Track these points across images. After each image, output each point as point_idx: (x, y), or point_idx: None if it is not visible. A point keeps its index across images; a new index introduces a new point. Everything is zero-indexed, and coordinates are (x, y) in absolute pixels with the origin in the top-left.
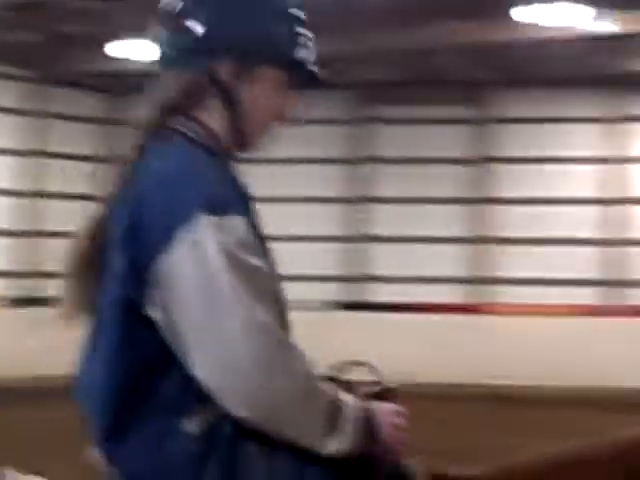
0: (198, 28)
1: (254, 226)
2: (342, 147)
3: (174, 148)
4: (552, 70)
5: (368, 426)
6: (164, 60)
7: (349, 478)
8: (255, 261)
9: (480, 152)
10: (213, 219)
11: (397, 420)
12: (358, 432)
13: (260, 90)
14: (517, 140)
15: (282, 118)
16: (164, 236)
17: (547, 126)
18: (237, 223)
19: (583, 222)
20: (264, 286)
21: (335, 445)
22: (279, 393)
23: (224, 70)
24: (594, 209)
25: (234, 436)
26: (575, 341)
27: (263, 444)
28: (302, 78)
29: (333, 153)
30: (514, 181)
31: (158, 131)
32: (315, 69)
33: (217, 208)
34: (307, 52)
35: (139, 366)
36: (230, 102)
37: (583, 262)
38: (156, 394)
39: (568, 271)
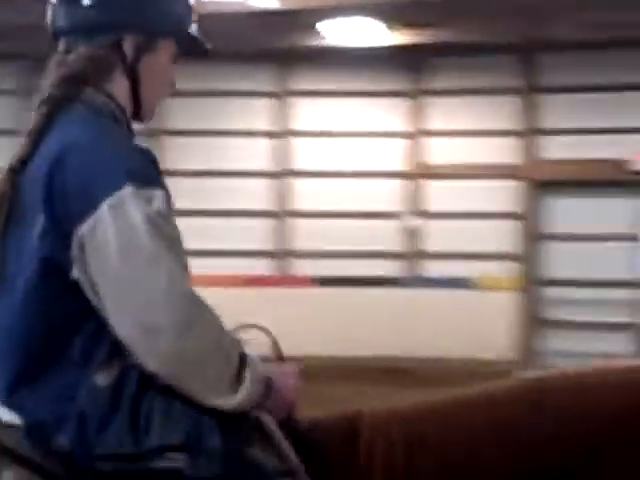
0: (99, 3)
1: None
2: None
3: (88, 119)
4: (218, 44)
5: (270, 384)
6: (70, 34)
7: (245, 432)
8: (176, 232)
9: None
10: (137, 190)
11: (293, 381)
12: (260, 389)
13: (159, 63)
14: (183, 113)
15: (173, 89)
16: (88, 204)
17: (215, 100)
18: (159, 195)
19: (255, 195)
20: (183, 257)
21: (238, 399)
22: (194, 353)
23: (128, 43)
24: (265, 182)
25: (140, 390)
26: (243, 311)
27: (167, 398)
28: (193, 51)
29: None
30: (183, 154)
31: (67, 103)
32: (205, 42)
33: (141, 180)
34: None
35: (54, 320)
36: (134, 74)
37: (254, 233)
38: (68, 347)
39: (239, 242)
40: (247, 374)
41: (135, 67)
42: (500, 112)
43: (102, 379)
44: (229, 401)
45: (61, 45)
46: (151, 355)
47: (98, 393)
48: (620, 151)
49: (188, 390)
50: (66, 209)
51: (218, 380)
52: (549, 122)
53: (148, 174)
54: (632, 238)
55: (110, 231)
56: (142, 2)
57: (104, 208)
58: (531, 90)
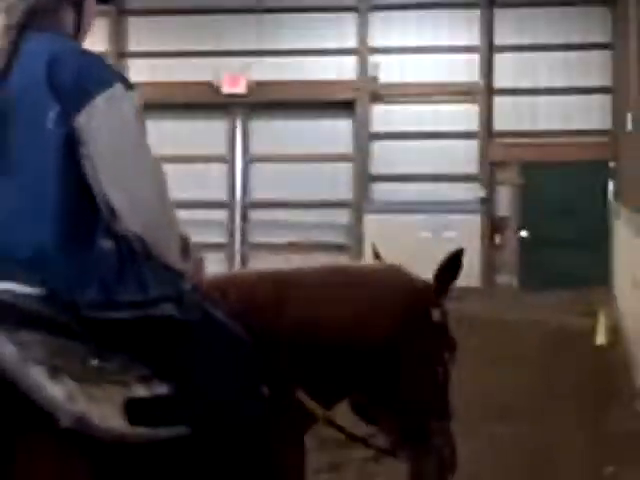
0: None
1: None
2: None
3: (60, 38)
4: None
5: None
6: None
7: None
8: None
9: None
10: (125, 90)
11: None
12: (195, 261)
13: (93, 4)
14: None
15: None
16: (87, 94)
17: None
18: (136, 96)
19: None
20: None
21: (188, 266)
22: (165, 222)
23: None
24: None
25: (134, 256)
26: None
27: (153, 264)
28: None
29: None
30: None
31: (30, 30)
32: None
33: (125, 82)
34: None
35: (77, 193)
36: (80, 12)
37: None
38: (85, 218)
39: None
40: (190, 250)
41: (82, 7)
42: None
43: (108, 244)
44: (185, 266)
45: None
46: (137, 221)
47: (108, 257)
48: (213, 74)
49: (161, 253)
50: (68, 102)
51: (177, 249)
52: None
53: (127, 78)
54: (225, 160)
55: (105, 119)
56: None
57: (99, 99)
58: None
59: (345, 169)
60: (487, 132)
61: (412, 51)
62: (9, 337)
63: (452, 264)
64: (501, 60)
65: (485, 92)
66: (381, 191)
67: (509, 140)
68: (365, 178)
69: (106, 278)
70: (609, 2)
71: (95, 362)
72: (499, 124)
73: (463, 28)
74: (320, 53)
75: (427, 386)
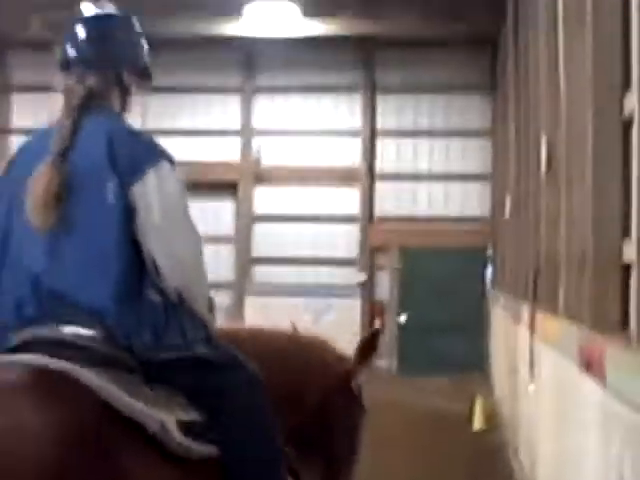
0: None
1: None
2: None
3: (114, 119)
4: None
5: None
6: (85, 63)
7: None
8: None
9: None
10: (171, 167)
11: None
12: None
13: (134, 86)
14: None
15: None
16: (140, 170)
17: None
18: (178, 172)
19: None
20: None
21: (212, 318)
22: (199, 279)
23: (125, 75)
24: None
25: (174, 306)
26: None
27: (188, 312)
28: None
29: None
30: None
31: (87, 112)
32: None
33: (170, 160)
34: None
35: (131, 260)
36: (125, 94)
37: None
38: (138, 275)
39: None
40: (213, 304)
41: (127, 89)
42: None
43: (156, 297)
44: (209, 317)
45: (75, 71)
46: (177, 277)
47: (156, 308)
48: None
49: (194, 304)
50: (124, 176)
51: (205, 302)
52: None
53: (171, 156)
54: None
55: (155, 191)
56: (137, 49)
57: (150, 174)
58: None
59: (227, 250)
60: (368, 216)
61: (295, 134)
62: (91, 370)
63: (370, 343)
64: (383, 145)
65: (366, 176)
66: (262, 273)
67: (389, 225)
68: (247, 260)
69: (155, 325)
70: (489, 90)
71: (150, 391)
72: (380, 208)
73: (345, 112)
74: (204, 134)
75: (350, 444)
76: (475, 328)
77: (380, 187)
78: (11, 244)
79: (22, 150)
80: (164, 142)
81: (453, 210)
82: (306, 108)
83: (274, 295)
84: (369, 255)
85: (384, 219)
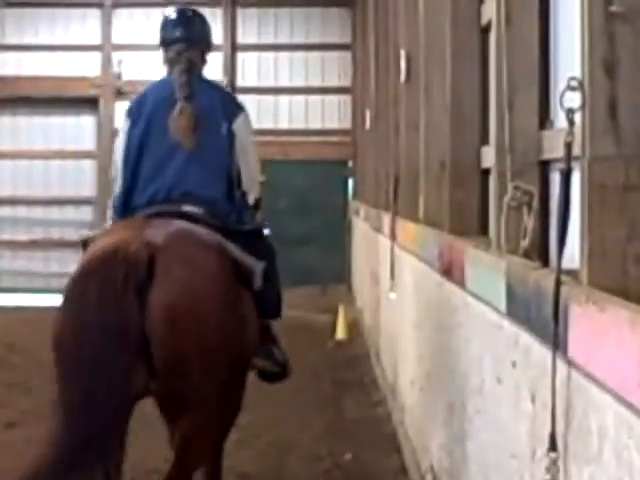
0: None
1: None
2: None
3: (208, 78)
4: None
5: None
6: (184, 41)
7: None
8: None
9: None
10: (246, 112)
11: None
12: None
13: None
14: None
15: None
16: (236, 114)
17: None
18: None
19: None
20: None
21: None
22: (257, 187)
23: (205, 51)
24: None
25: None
26: None
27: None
28: None
29: None
30: None
31: (193, 72)
32: None
33: (244, 108)
34: None
35: (229, 170)
36: (204, 64)
37: None
38: (232, 180)
39: None
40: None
41: (204, 55)
42: None
43: (238, 194)
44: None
45: (176, 47)
46: (248, 183)
47: (239, 200)
48: None
49: (251, 201)
50: (228, 119)
51: (255, 201)
52: None
53: (243, 106)
54: None
55: (242, 129)
56: (209, 35)
57: (240, 118)
58: None
59: (89, 166)
60: None
61: (156, 48)
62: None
63: None
64: (244, 59)
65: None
66: None
67: None
68: (108, 175)
69: (238, 210)
70: (348, 4)
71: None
72: None
73: None
74: (64, 49)
75: None
76: (337, 240)
77: (241, 101)
78: (148, 157)
79: (148, 92)
80: (24, 57)
81: (314, 123)
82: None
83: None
84: None
85: None
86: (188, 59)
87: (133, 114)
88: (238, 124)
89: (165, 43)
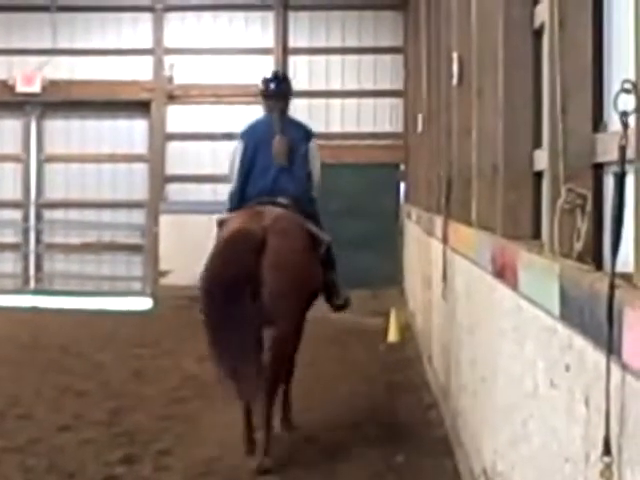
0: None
1: None
2: None
3: (293, 118)
4: None
5: None
6: (280, 92)
7: None
8: None
9: None
10: (315, 138)
11: None
12: None
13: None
14: None
15: None
16: (310, 140)
17: None
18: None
19: None
20: None
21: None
22: (319, 190)
23: (289, 101)
24: None
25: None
26: None
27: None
28: None
29: None
30: None
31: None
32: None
33: (313, 134)
34: None
35: (306, 176)
36: (288, 110)
37: None
38: (309, 183)
39: None
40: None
41: (288, 99)
42: None
43: (312, 194)
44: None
45: (273, 97)
46: (315, 185)
47: (312, 197)
48: (7, 72)
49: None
50: (306, 143)
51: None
52: None
53: (313, 132)
54: (19, 159)
55: (313, 149)
56: (291, 91)
57: (312, 142)
58: None
59: (141, 169)
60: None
61: (207, 52)
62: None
63: None
64: (295, 62)
65: None
66: (176, 191)
67: None
68: (160, 179)
69: (312, 202)
70: (401, 8)
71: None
72: None
73: (258, 30)
74: (115, 53)
75: None
76: (389, 244)
77: (293, 105)
78: (256, 167)
79: (253, 126)
80: (76, 62)
81: (366, 127)
82: (218, 26)
83: (188, 213)
84: None
85: None
86: (280, 108)
87: (245, 138)
88: (311, 147)
89: (266, 95)
